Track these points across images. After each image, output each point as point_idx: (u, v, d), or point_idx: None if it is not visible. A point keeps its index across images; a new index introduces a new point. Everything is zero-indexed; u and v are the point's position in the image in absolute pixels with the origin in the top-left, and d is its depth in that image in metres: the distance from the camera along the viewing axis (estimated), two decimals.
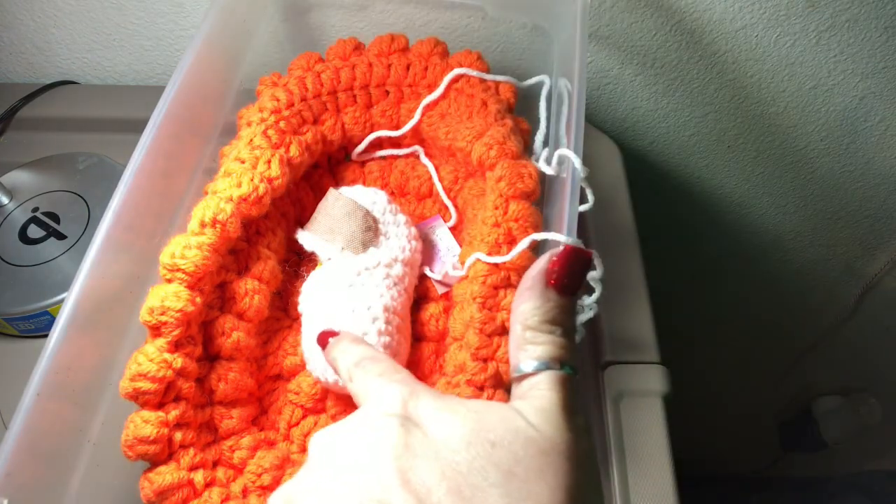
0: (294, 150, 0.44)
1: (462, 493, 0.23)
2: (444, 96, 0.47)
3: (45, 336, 0.37)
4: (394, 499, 0.23)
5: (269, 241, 0.43)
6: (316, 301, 0.41)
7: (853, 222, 0.82)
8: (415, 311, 0.45)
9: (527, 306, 0.28)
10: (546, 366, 0.27)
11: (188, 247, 0.36)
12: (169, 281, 0.36)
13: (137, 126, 0.39)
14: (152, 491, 0.34)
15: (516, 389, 0.28)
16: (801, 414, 1.19)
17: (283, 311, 0.45)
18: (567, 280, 0.28)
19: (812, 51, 0.61)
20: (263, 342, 0.43)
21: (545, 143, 0.45)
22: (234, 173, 0.40)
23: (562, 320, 0.28)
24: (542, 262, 0.29)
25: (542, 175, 0.41)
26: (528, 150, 0.45)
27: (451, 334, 0.40)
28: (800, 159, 0.73)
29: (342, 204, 0.43)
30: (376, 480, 0.23)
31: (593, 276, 0.38)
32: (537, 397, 0.26)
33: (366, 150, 0.50)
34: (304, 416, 0.41)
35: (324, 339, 0.35)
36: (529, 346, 0.27)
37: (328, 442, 0.26)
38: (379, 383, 0.28)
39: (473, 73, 0.46)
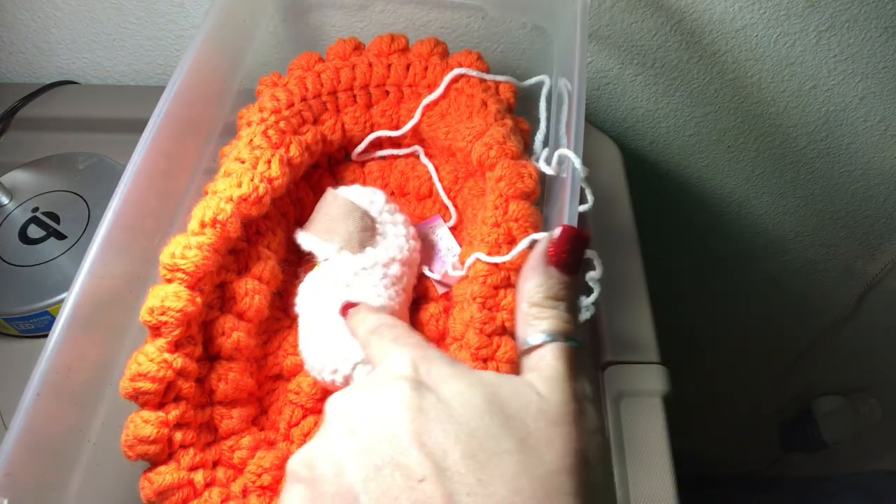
0: (294, 150, 0.44)
1: (477, 457, 0.23)
2: (444, 96, 0.47)
3: (45, 336, 0.37)
4: (410, 461, 0.23)
5: (269, 241, 0.43)
6: (313, 301, 0.41)
7: (853, 222, 0.82)
8: (414, 311, 0.45)
9: (531, 284, 0.29)
10: (552, 338, 0.28)
11: (188, 247, 0.36)
12: (169, 281, 0.36)
13: (137, 126, 0.39)
14: (152, 491, 0.34)
15: (526, 362, 0.28)
16: (801, 414, 1.19)
17: (282, 311, 0.45)
18: (567, 257, 0.29)
19: (812, 51, 0.61)
20: (263, 342, 0.43)
21: (545, 143, 0.45)
22: (234, 173, 0.40)
23: (565, 296, 0.29)
24: (543, 243, 0.30)
25: (542, 175, 0.41)
26: (528, 150, 0.45)
27: (451, 334, 0.40)
28: (800, 159, 0.73)
29: (339, 204, 0.43)
30: (392, 442, 0.24)
31: (593, 276, 0.38)
32: (545, 368, 0.27)
33: (366, 150, 0.50)
34: (304, 416, 0.41)
35: (345, 309, 0.37)
36: (535, 320, 0.29)
37: (344, 404, 0.27)
38: (391, 347, 0.29)
39: (473, 73, 0.46)
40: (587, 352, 0.51)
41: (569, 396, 0.26)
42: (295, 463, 0.26)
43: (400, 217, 0.45)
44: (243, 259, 0.42)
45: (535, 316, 0.29)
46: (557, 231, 0.30)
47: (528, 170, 0.41)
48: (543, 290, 0.29)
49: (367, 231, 0.43)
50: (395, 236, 0.44)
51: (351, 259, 0.42)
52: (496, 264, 0.38)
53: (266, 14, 0.52)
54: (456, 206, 0.49)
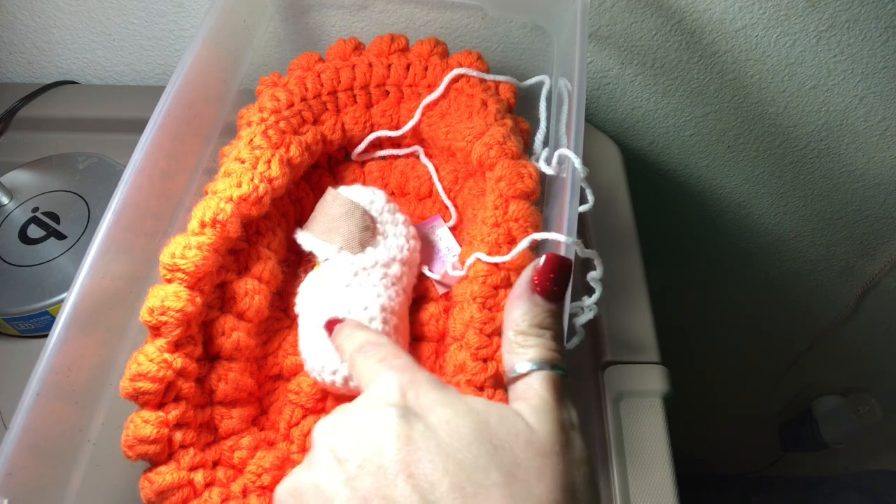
0: (294, 150, 0.44)
1: (464, 491, 0.23)
2: (444, 96, 0.47)
3: (45, 336, 0.37)
4: (397, 494, 0.23)
5: (269, 241, 0.43)
6: (313, 301, 0.41)
7: (853, 222, 0.82)
8: (415, 311, 0.45)
9: (517, 312, 0.30)
10: (538, 366, 0.28)
11: (188, 247, 0.36)
12: (169, 281, 0.36)
13: (137, 126, 0.39)
14: (152, 491, 0.34)
15: (512, 391, 0.29)
16: (801, 414, 1.19)
17: (283, 311, 0.45)
18: (551, 286, 0.30)
19: (812, 51, 0.61)
20: (263, 342, 0.43)
21: (545, 143, 0.45)
22: (234, 173, 0.40)
23: (550, 324, 0.30)
24: (528, 272, 0.30)
25: (542, 175, 0.42)
26: (528, 150, 0.45)
27: (451, 334, 0.40)
28: (800, 159, 0.73)
29: (340, 203, 0.43)
30: (379, 474, 0.24)
31: (593, 276, 0.38)
32: (532, 397, 0.27)
33: (366, 150, 0.50)
34: (304, 416, 0.41)
35: (330, 326, 0.36)
36: (521, 349, 0.29)
37: (332, 431, 0.26)
38: (378, 369, 0.29)
39: (473, 73, 0.46)
40: (587, 351, 0.51)
41: (557, 427, 0.26)
42: (283, 492, 0.26)
43: (400, 217, 0.45)
44: (243, 259, 0.42)
45: (521, 344, 0.29)
46: (542, 259, 0.30)
47: (528, 170, 0.41)
48: (529, 318, 0.29)
49: (368, 231, 0.43)
50: (396, 236, 0.44)
51: (351, 259, 0.42)
52: (496, 264, 0.38)
53: (266, 14, 0.52)
54: (456, 206, 0.49)
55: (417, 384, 0.27)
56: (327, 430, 0.27)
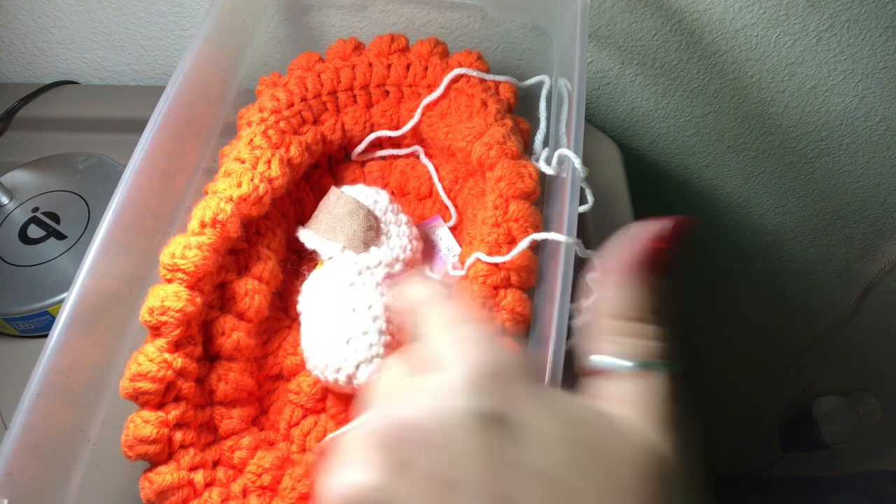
0: (294, 150, 0.44)
1: None
2: (444, 96, 0.47)
3: (45, 336, 0.37)
4: None
5: (269, 241, 0.43)
6: (316, 300, 0.41)
7: (853, 222, 0.82)
8: None
9: (618, 292, 0.24)
10: (649, 366, 0.23)
11: (188, 247, 0.36)
12: (169, 281, 0.36)
13: (137, 126, 0.39)
14: (152, 491, 0.34)
15: (610, 388, 0.23)
16: (801, 414, 1.19)
17: (283, 311, 0.45)
18: (676, 258, 0.24)
19: (812, 51, 0.61)
20: (263, 342, 0.43)
21: (545, 143, 0.45)
22: (234, 173, 0.40)
23: (658, 307, 0.24)
24: (637, 240, 0.24)
25: (542, 175, 0.42)
26: (528, 150, 0.45)
27: None
28: (800, 159, 0.73)
29: (344, 203, 0.43)
30: (456, 490, 0.19)
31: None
32: (645, 403, 0.22)
33: (366, 150, 0.50)
34: (304, 416, 0.41)
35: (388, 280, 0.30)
36: (627, 339, 0.23)
37: (395, 427, 0.21)
38: (452, 350, 0.22)
39: (473, 73, 0.46)
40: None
41: (676, 444, 0.21)
42: (338, 500, 0.21)
43: (403, 217, 0.45)
44: (243, 259, 0.42)
45: (625, 332, 0.23)
46: (659, 224, 0.23)
47: (528, 170, 0.41)
48: (638, 302, 0.23)
49: (372, 231, 0.43)
50: (399, 236, 0.44)
51: (355, 258, 0.42)
52: (496, 264, 0.38)
53: (266, 14, 0.52)
54: (456, 206, 0.49)
55: (503, 378, 0.21)
56: (391, 426, 0.21)
